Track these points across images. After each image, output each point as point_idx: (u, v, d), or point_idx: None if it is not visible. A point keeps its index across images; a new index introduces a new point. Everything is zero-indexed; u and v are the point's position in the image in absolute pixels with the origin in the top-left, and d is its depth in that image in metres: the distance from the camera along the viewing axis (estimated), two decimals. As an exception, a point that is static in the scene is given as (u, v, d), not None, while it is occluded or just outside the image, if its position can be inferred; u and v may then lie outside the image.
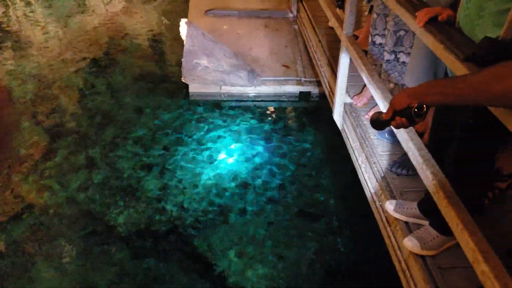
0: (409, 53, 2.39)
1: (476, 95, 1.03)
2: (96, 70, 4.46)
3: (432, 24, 1.53)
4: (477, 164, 1.59)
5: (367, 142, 2.60)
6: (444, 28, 1.47)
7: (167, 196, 2.96)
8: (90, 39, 5.03)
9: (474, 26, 1.36)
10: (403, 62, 2.45)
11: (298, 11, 4.75)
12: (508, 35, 1.21)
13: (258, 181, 3.11)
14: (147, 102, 3.94)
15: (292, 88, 4.05)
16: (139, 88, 4.15)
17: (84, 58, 4.64)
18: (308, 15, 4.38)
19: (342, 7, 3.82)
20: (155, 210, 2.85)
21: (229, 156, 3.33)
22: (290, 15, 4.90)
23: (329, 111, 3.17)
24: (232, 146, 3.44)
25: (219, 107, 3.91)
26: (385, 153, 2.55)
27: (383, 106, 2.20)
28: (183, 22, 5.23)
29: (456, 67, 1.32)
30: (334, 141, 3.41)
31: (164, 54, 4.78)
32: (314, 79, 4.06)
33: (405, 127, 1.24)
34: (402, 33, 2.39)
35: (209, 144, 3.44)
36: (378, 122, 1.31)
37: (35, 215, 2.81)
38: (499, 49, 1.20)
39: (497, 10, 1.28)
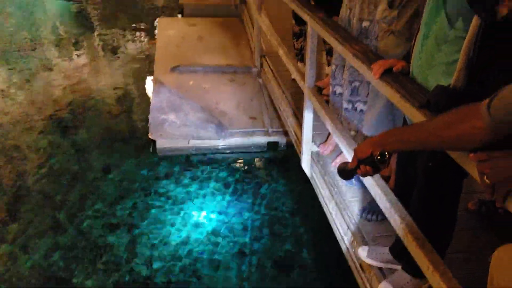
0: (365, 102, 2.49)
1: (432, 141, 1.09)
2: (61, 129, 4.41)
3: (387, 75, 1.61)
4: (442, 203, 1.64)
5: (336, 189, 2.64)
6: (399, 78, 1.56)
7: (136, 255, 2.88)
8: (55, 98, 5.00)
9: (427, 75, 1.44)
10: (361, 111, 2.54)
11: (261, 65, 4.90)
12: (458, 83, 1.29)
13: (230, 235, 3.07)
14: (114, 160, 3.90)
15: (260, 139, 4.11)
16: (106, 147, 4.11)
17: (49, 118, 4.58)
18: (271, 69, 4.53)
19: (302, 60, 3.97)
20: (124, 271, 2.76)
21: (199, 211, 3.30)
22: (254, 69, 5.05)
23: (297, 160, 3.22)
24: (202, 200, 3.41)
25: (188, 162, 3.90)
26: (355, 199, 2.59)
27: (348, 154, 2.26)
28: (149, 79, 5.29)
29: (412, 114, 1.39)
30: (304, 189, 3.43)
31: (131, 111, 4.79)
32: (281, 130, 4.13)
33: (371, 174, 1.28)
34: (357, 83, 2.50)
35: (179, 200, 3.40)
36: (345, 172, 1.35)
37: (-3, 284, 2.67)
38: (450, 97, 1.28)
39: (446, 61, 1.38)
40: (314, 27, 2.59)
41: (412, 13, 1.88)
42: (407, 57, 1.66)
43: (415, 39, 1.52)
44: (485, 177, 0.98)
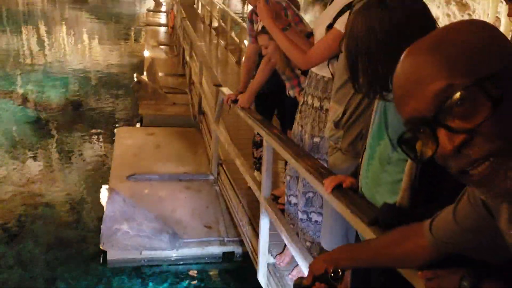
0: (320, 213, 2.56)
1: (380, 259, 1.13)
2: (5, 239, 4.17)
3: (338, 190, 1.69)
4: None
5: (293, 304, 2.58)
6: (349, 194, 1.64)
7: None
8: (2, 206, 4.78)
9: (374, 193, 1.52)
10: (316, 221, 2.60)
11: (218, 173, 4.98)
12: (403, 202, 1.37)
13: None
14: (61, 273, 3.68)
15: (215, 249, 4.03)
16: (52, 258, 3.90)
17: (-8, 228, 4.35)
18: (228, 177, 4.60)
19: (259, 169, 4.08)
20: None
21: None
22: (211, 177, 5.11)
23: (253, 271, 3.16)
24: (154, 317, 3.22)
25: (139, 274, 3.73)
26: (312, 314, 2.52)
27: (303, 266, 2.26)
28: (104, 188, 5.22)
29: (362, 230, 1.45)
30: (261, 303, 3.32)
31: (83, 221, 4.63)
32: (238, 239, 4.08)
33: (326, 291, 1.28)
34: (311, 194, 2.58)
35: (128, 317, 3.20)
36: None
37: None
38: (397, 214, 1.35)
39: (391, 180, 1.47)
40: (269, 142, 2.73)
41: (356, 134, 2.03)
42: (356, 174, 1.76)
43: (362, 158, 1.63)
44: (432, 294, 1.01)
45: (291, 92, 3.16)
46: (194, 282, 3.70)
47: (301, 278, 1.37)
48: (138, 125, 7.14)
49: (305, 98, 2.62)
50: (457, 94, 0.66)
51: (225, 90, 4.09)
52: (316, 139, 2.53)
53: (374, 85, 1.41)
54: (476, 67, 0.67)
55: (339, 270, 1.20)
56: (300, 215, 2.69)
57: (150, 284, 3.60)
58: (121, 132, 6.46)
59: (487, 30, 0.72)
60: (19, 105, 8.26)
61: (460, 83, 0.66)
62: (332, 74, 2.37)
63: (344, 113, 2.03)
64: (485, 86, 0.65)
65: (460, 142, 0.67)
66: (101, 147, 6.68)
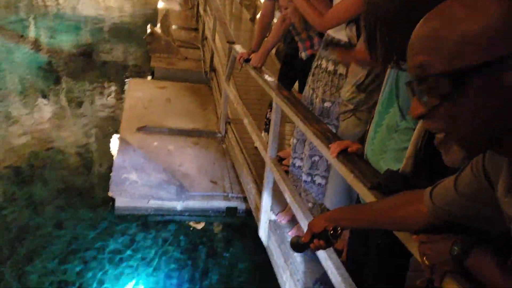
0: (324, 176, 2.62)
1: (380, 221, 1.19)
2: (17, 181, 4.30)
3: (343, 155, 1.74)
4: (391, 280, 1.72)
5: (291, 259, 2.69)
6: (354, 159, 1.69)
7: (83, 318, 2.77)
8: (14, 150, 4.89)
9: (379, 159, 1.57)
10: (319, 184, 2.66)
11: (226, 132, 5.04)
12: (406, 169, 1.42)
13: (183, 301, 3.02)
14: (69, 216, 3.81)
15: (219, 204, 4.14)
16: (61, 201, 4.03)
17: (5, 168, 4.47)
18: (235, 136, 4.66)
19: (267, 131, 4.12)
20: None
21: (153, 276, 3.23)
22: (219, 135, 5.17)
23: (255, 227, 3.27)
24: (157, 264, 3.36)
25: (145, 222, 3.86)
26: (309, 270, 2.64)
27: (304, 225, 2.34)
28: (113, 138, 5.30)
29: (364, 194, 1.51)
30: (260, 258, 3.44)
31: (92, 168, 4.74)
32: (241, 195, 4.19)
33: (323, 248, 1.35)
34: (316, 158, 2.63)
35: (132, 262, 3.34)
36: (298, 245, 1.39)
37: None
38: (399, 181, 1.40)
39: (397, 148, 1.51)
40: (278, 103, 2.76)
41: (377, 99, 2.05)
42: (362, 140, 1.80)
43: (369, 125, 1.67)
44: (425, 257, 1.07)
45: (303, 55, 3.15)
46: (197, 233, 3.83)
47: (298, 236, 1.42)
48: (149, 77, 7.15)
49: (319, 61, 2.60)
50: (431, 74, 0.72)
51: (238, 48, 4.07)
52: (327, 104, 2.54)
53: (390, 54, 1.43)
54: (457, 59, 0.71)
55: (339, 229, 1.25)
56: (304, 177, 2.75)
57: (154, 233, 3.73)
58: (132, 84, 6.49)
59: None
60: (31, 49, 8.27)
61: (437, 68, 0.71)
62: (348, 38, 2.36)
63: (367, 76, 2.04)
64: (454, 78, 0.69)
65: (421, 113, 0.75)
66: (112, 97, 6.73)
